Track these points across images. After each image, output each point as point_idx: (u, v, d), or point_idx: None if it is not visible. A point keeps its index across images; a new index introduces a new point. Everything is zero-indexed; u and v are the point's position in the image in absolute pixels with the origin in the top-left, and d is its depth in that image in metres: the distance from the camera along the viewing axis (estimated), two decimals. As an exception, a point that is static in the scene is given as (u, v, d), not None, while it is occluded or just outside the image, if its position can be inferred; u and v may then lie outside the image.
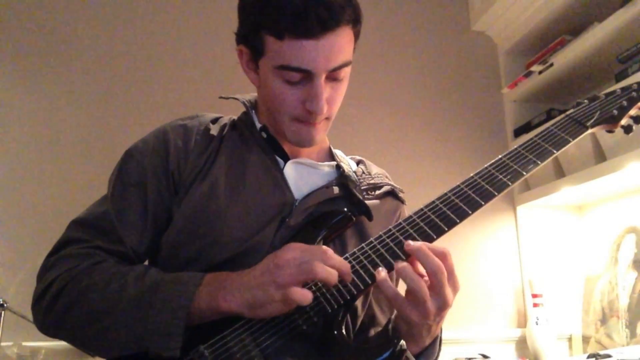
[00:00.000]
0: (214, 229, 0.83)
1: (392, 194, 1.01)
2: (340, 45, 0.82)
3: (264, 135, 0.94)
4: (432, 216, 0.80)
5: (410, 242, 0.75)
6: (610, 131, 1.00)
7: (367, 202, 0.92)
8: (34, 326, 0.83)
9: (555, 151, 0.88)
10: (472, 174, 0.85)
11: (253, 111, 0.98)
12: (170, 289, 0.74)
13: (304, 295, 0.69)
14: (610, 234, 1.94)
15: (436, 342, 0.83)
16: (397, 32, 2.25)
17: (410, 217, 0.81)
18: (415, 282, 0.71)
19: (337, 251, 0.83)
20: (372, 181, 0.99)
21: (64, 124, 1.83)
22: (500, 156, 0.88)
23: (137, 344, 0.73)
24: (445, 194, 0.83)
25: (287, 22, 0.78)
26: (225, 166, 0.90)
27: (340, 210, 0.87)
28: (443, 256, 0.73)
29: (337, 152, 1.02)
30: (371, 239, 0.80)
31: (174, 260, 0.84)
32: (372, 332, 0.92)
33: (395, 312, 0.82)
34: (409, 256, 0.75)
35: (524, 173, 0.85)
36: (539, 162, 0.87)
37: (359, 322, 0.90)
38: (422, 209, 0.82)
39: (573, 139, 0.91)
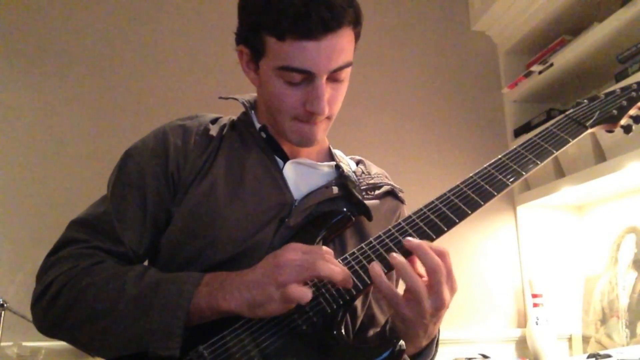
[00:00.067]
0: (214, 229, 0.83)
1: (392, 193, 1.01)
2: (341, 46, 0.82)
3: (264, 135, 0.94)
4: (432, 216, 0.80)
5: (410, 238, 0.75)
6: (609, 131, 1.00)
7: (366, 202, 0.92)
8: (34, 326, 0.83)
9: (554, 151, 0.88)
10: (471, 174, 0.85)
11: (252, 111, 0.98)
12: (169, 288, 0.74)
13: (303, 292, 0.69)
14: (610, 234, 1.94)
15: (433, 344, 0.83)
16: (397, 33, 2.25)
17: (410, 217, 0.81)
18: (413, 279, 0.71)
19: (336, 251, 0.83)
20: (371, 181, 0.99)
21: (64, 124, 1.83)
22: (499, 156, 0.88)
23: (136, 344, 0.73)
24: (445, 194, 0.83)
25: (289, 23, 0.78)
26: (224, 166, 0.90)
27: (339, 210, 0.87)
28: (442, 255, 0.73)
29: (337, 152, 1.02)
30: (370, 239, 0.80)
31: (174, 260, 0.84)
32: (372, 332, 0.92)
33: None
34: (408, 256, 0.75)
35: (524, 173, 0.85)
36: (539, 162, 0.86)
37: (358, 322, 0.90)
38: (421, 209, 0.82)
39: (573, 139, 0.91)
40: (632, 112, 0.99)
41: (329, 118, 0.90)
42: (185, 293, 0.73)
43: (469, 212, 0.80)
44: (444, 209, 0.81)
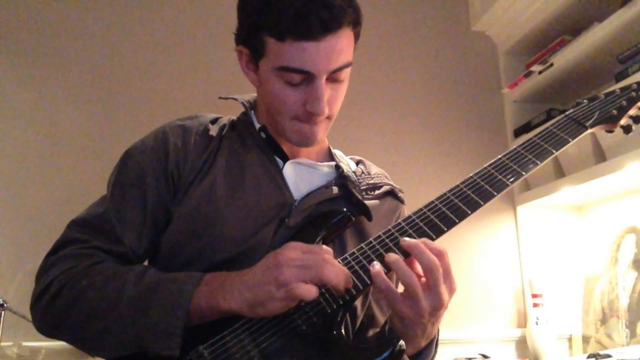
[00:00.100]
0: (213, 229, 0.83)
1: (392, 193, 1.01)
2: (341, 46, 0.82)
3: (263, 135, 0.94)
4: (432, 216, 0.80)
5: (407, 238, 0.75)
6: (609, 131, 1.00)
7: (366, 202, 0.92)
8: (33, 326, 0.83)
9: (554, 151, 0.88)
10: (471, 174, 0.85)
11: (252, 111, 0.98)
12: (169, 288, 0.74)
13: (309, 290, 0.69)
14: (610, 234, 1.94)
15: (432, 344, 0.83)
16: (397, 33, 2.25)
17: (410, 217, 0.81)
18: (407, 276, 0.71)
19: (336, 251, 0.83)
20: (371, 181, 0.99)
21: (64, 124, 1.83)
22: (499, 156, 0.88)
23: (136, 344, 0.73)
24: (445, 194, 0.83)
25: (288, 23, 0.78)
26: (224, 166, 0.90)
27: (339, 210, 0.87)
28: (440, 255, 0.73)
29: (337, 152, 1.02)
30: (370, 239, 0.80)
31: (173, 260, 0.84)
32: (372, 332, 0.92)
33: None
34: (408, 256, 0.75)
35: (524, 173, 0.85)
36: (539, 162, 0.87)
37: (358, 322, 0.90)
38: (421, 209, 0.82)
39: (572, 139, 0.91)
40: (632, 112, 0.99)
41: (329, 118, 0.90)
42: (186, 293, 0.73)
43: (469, 212, 0.80)
44: (444, 209, 0.81)
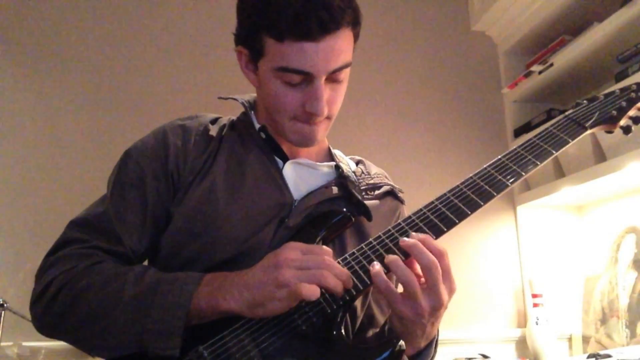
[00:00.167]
0: (213, 229, 0.83)
1: (392, 194, 1.01)
2: (340, 47, 0.82)
3: (263, 135, 0.94)
4: (432, 216, 0.80)
5: (405, 238, 0.75)
6: (609, 132, 1.00)
7: (366, 202, 0.92)
8: (33, 326, 0.83)
9: (554, 152, 0.88)
10: (471, 175, 0.85)
11: (252, 112, 0.98)
12: (169, 288, 0.74)
13: (312, 290, 0.69)
14: (610, 234, 1.94)
15: (432, 345, 0.83)
16: (396, 33, 2.25)
17: (410, 217, 0.81)
18: (406, 275, 0.71)
19: (336, 251, 0.83)
20: (371, 181, 0.99)
21: (64, 124, 1.83)
22: (499, 157, 0.88)
23: (136, 344, 0.73)
24: (445, 194, 0.83)
25: (287, 24, 0.78)
26: (224, 166, 0.90)
27: (339, 211, 0.87)
28: (440, 254, 0.73)
29: (336, 152, 1.02)
30: (370, 239, 0.80)
31: (173, 260, 0.84)
32: (371, 332, 0.92)
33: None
34: (408, 256, 0.75)
35: (523, 174, 0.85)
36: (538, 163, 0.87)
37: (358, 323, 0.90)
38: (421, 210, 0.82)
39: (572, 140, 0.91)
40: (632, 113, 0.99)
41: (328, 118, 0.90)
42: (186, 293, 0.73)
43: (469, 212, 0.80)
44: (444, 209, 0.81)
